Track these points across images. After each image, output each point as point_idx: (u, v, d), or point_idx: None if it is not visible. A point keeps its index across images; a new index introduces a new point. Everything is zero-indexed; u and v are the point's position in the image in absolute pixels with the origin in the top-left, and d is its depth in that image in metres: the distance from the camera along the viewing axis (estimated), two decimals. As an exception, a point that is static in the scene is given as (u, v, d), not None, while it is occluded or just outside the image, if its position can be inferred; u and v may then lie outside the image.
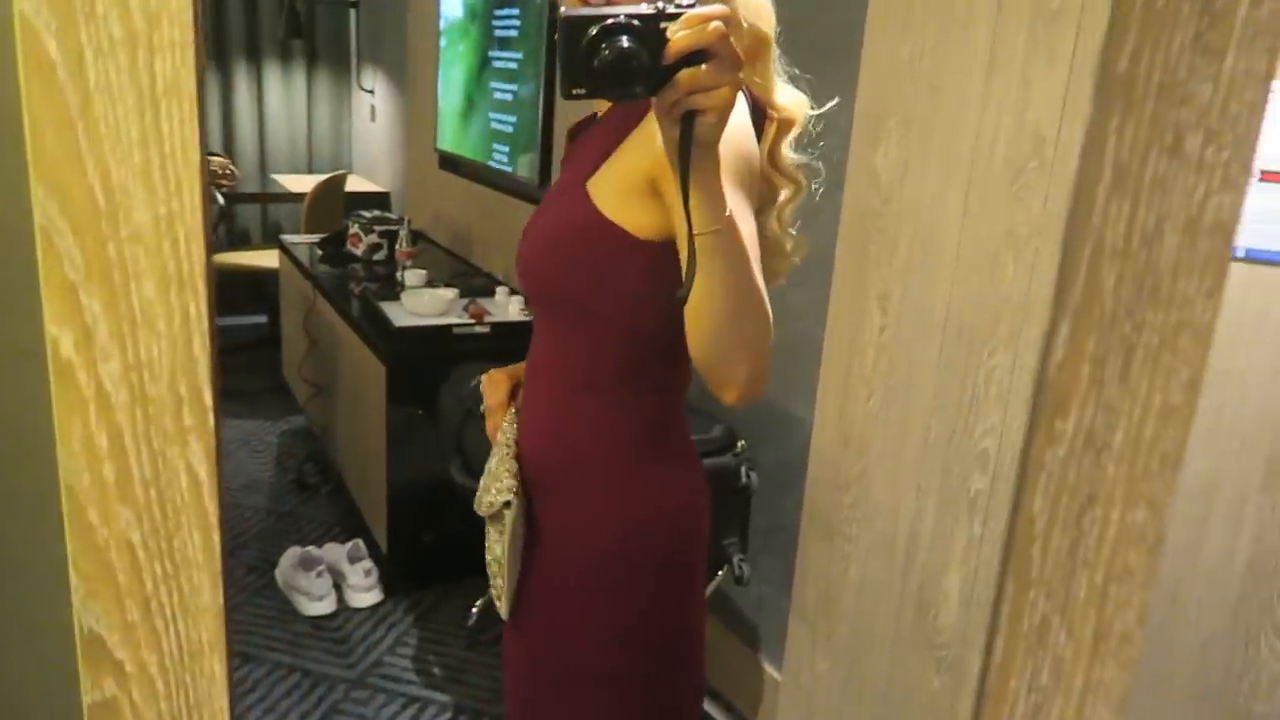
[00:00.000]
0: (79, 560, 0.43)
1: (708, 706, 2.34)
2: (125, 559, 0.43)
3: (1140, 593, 0.44)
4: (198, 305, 0.40)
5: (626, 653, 1.19)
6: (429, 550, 2.90)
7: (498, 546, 1.17)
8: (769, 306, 0.96)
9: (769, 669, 2.34)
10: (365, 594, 2.82)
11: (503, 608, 1.23)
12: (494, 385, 1.28)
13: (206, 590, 0.43)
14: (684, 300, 0.86)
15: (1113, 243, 0.40)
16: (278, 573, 2.89)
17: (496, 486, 1.17)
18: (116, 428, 0.41)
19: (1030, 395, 0.44)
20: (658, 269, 1.03)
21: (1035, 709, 0.46)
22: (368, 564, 2.85)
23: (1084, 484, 0.43)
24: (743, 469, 2.17)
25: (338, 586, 2.83)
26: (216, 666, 0.45)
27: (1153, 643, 2.05)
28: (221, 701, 0.46)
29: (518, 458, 1.18)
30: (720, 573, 2.24)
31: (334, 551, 2.93)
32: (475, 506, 1.22)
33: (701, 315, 0.92)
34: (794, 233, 1.19)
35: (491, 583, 1.23)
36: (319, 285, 3.37)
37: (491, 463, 1.21)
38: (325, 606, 2.77)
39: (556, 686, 1.23)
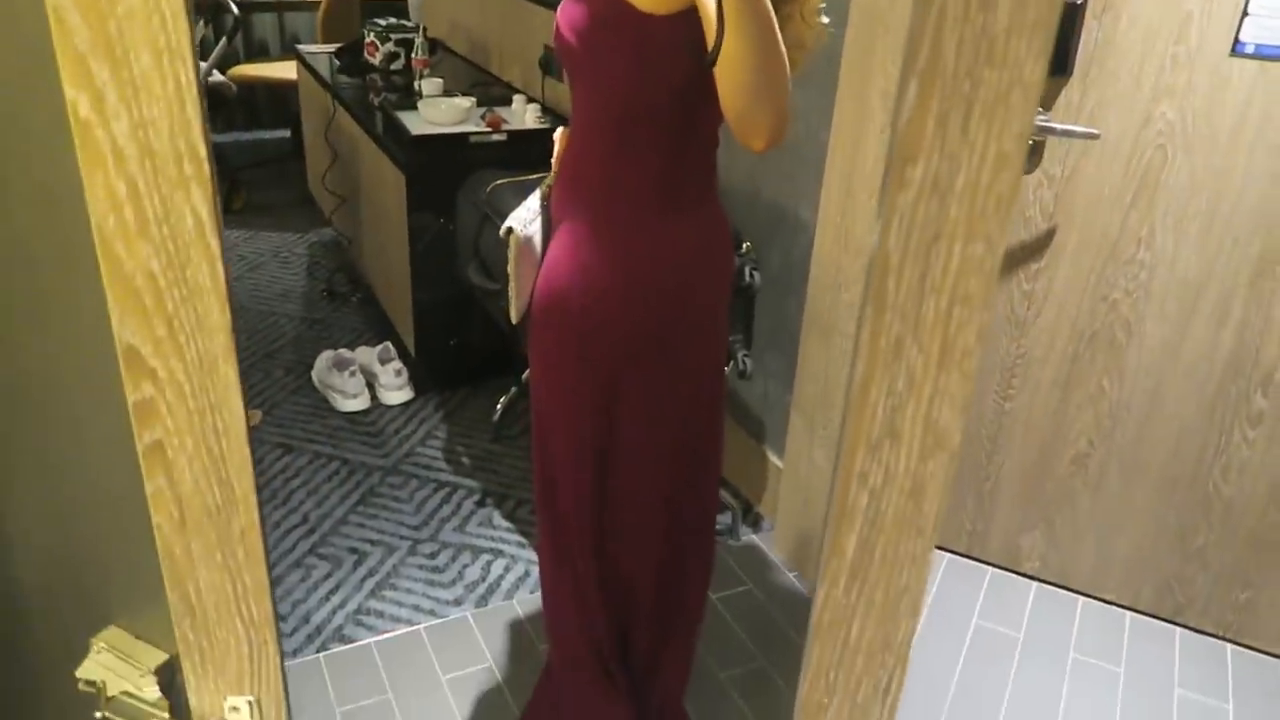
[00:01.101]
0: (113, 287, 0.53)
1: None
2: (149, 285, 0.53)
3: (978, 315, 0.53)
4: (186, 73, 0.48)
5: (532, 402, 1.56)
6: (455, 353, 3.06)
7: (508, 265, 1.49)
8: (787, 61, 1.10)
9: (772, 458, 2.51)
10: (396, 392, 3.00)
11: (513, 313, 1.56)
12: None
13: (215, 311, 0.54)
14: (714, 61, 1.01)
15: (954, 10, 0.47)
16: (313, 374, 3.08)
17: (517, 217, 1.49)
18: (131, 177, 0.51)
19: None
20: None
21: (893, 411, 0.56)
22: (398, 365, 3.02)
23: (931, 223, 0.52)
24: (747, 269, 2.25)
25: (370, 386, 3.02)
26: (230, 373, 0.56)
27: (1131, 433, 2.18)
28: (236, 403, 0.57)
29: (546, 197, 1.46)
30: (727, 368, 2.37)
31: (365, 354, 3.11)
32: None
33: (735, 70, 1.07)
34: (821, 20, 1.25)
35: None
36: (338, 96, 3.39)
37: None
38: (360, 404, 2.96)
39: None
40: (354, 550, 2.35)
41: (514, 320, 1.53)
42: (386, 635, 2.11)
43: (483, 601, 2.21)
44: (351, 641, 2.09)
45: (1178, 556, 2.22)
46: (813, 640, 0.64)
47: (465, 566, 2.32)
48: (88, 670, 0.70)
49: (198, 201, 0.51)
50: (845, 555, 0.61)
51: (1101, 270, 2.09)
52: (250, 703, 0.66)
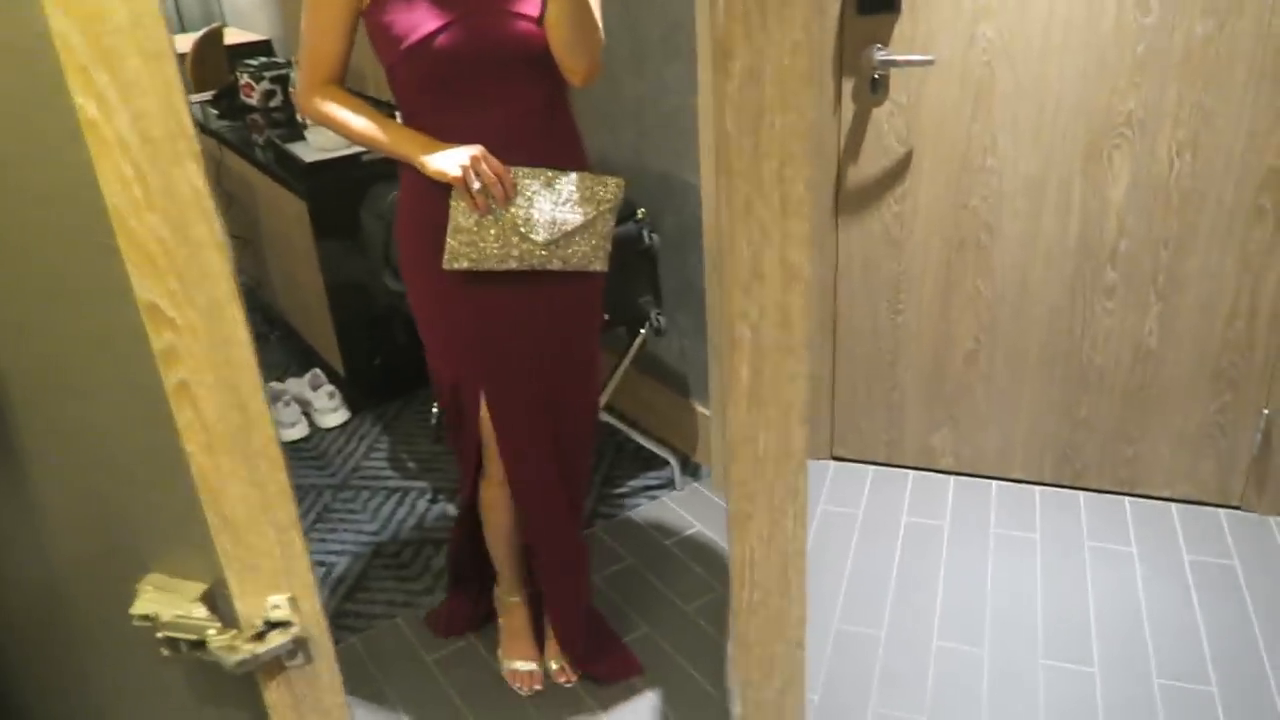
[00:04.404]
0: (130, 254, 0.66)
1: (657, 450, 2.70)
2: (160, 248, 0.66)
3: (803, 170, 0.70)
4: (171, 69, 0.62)
5: None
6: (383, 369, 3.16)
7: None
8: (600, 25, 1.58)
9: (699, 408, 2.69)
10: (332, 415, 3.09)
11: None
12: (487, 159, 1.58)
13: (217, 262, 0.67)
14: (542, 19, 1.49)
15: (741, -60, 0.63)
16: (248, 411, 3.14)
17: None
18: (136, 161, 0.64)
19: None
20: None
21: (754, 258, 0.73)
22: (329, 388, 3.11)
23: (753, 103, 0.68)
24: (644, 232, 2.42)
25: (306, 414, 3.10)
26: (235, 313, 0.69)
27: (1008, 324, 2.41)
28: (243, 337, 0.71)
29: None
30: (643, 330, 2.54)
31: (296, 384, 3.19)
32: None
33: (560, 28, 1.53)
34: None
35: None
36: (223, 140, 3.45)
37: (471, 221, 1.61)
38: (298, 431, 3.04)
39: None
40: (321, 564, 2.45)
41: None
42: (367, 632, 2.22)
43: (450, 586, 2.33)
44: (335, 644, 2.19)
45: (1068, 427, 2.47)
46: (731, 460, 0.81)
47: (430, 558, 2.43)
48: (141, 606, 0.82)
49: (192, 173, 0.65)
50: (742, 380, 0.77)
51: (958, 181, 2.32)
52: (290, 599, 0.80)
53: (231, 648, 0.77)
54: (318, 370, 3.19)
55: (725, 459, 0.80)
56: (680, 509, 2.56)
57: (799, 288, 0.74)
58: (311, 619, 0.80)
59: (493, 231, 1.61)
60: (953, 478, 2.60)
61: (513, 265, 1.64)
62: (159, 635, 0.80)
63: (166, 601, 0.81)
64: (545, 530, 1.89)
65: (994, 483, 2.57)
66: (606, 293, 1.85)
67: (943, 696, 1.94)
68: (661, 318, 2.50)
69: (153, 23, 0.60)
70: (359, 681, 2.08)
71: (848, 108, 2.34)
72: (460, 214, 1.59)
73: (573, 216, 1.65)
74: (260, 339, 3.75)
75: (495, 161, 1.56)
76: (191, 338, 0.69)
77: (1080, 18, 2.09)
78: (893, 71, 2.25)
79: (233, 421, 0.72)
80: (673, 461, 2.68)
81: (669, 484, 2.66)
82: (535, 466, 1.82)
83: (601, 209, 1.69)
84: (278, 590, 0.79)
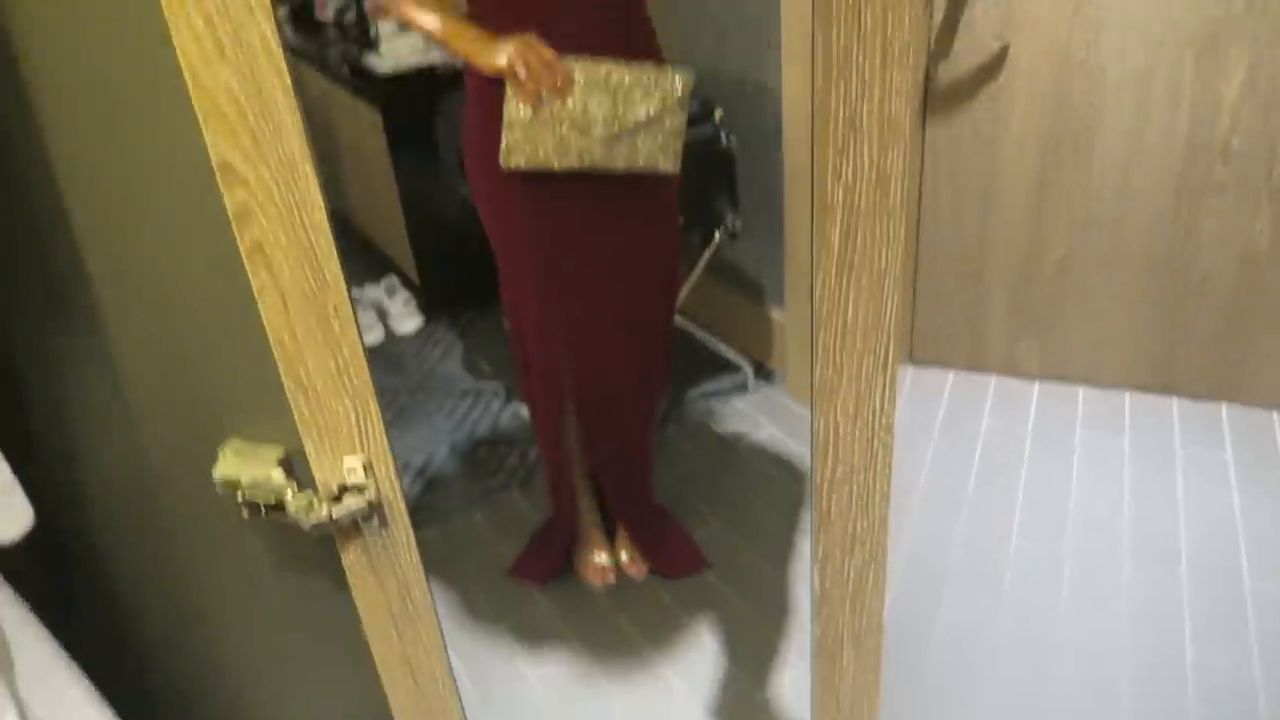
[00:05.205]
0: (201, 107, 0.65)
1: (730, 356, 2.67)
2: (231, 103, 0.65)
3: (908, 13, 0.65)
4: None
5: None
6: (458, 277, 3.17)
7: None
8: None
9: (774, 314, 2.64)
10: (408, 321, 3.13)
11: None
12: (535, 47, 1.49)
13: (289, 119, 0.65)
14: None
15: None
16: (328, 316, 3.20)
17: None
18: (206, 11, 0.62)
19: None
20: None
21: (852, 113, 0.68)
22: (405, 295, 3.14)
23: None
24: (722, 134, 2.35)
25: (382, 320, 3.14)
26: (308, 170, 0.68)
27: (1106, 227, 2.30)
28: (317, 198, 0.69)
29: None
30: (718, 232, 2.48)
31: (372, 291, 3.22)
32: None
33: None
34: None
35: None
36: (301, 54, 3.44)
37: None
38: (373, 337, 3.09)
39: None
40: (398, 459, 2.50)
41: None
42: (444, 524, 2.27)
43: (525, 482, 2.37)
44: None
45: (1165, 333, 2.36)
46: (818, 330, 0.77)
47: (505, 456, 2.47)
48: (222, 469, 0.84)
49: (262, 22, 0.63)
50: (833, 247, 0.73)
51: (1057, 77, 2.19)
52: (364, 464, 0.80)
53: (309, 509, 0.77)
54: (393, 278, 3.21)
55: (813, 330, 0.77)
56: (753, 411, 2.54)
57: (899, 144, 0.69)
58: (386, 484, 0.80)
59: (549, 127, 1.53)
60: (1037, 384, 2.52)
61: (572, 163, 1.56)
62: (239, 498, 0.81)
63: (246, 465, 0.82)
64: (618, 443, 1.88)
65: (1081, 388, 2.48)
66: (681, 195, 1.79)
67: (1020, 596, 1.91)
68: (737, 221, 2.44)
69: None
70: (435, 570, 2.14)
71: (938, 6, 2.22)
72: (513, 107, 1.52)
73: (635, 111, 1.56)
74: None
75: (544, 49, 1.48)
76: (265, 197, 0.68)
77: (1198, -114, 1.92)
78: (988, -46, 2.12)
79: (307, 284, 0.72)
80: (746, 367, 2.65)
81: (742, 388, 2.63)
82: (606, 381, 1.79)
83: (668, 104, 1.59)
84: (353, 454, 0.79)
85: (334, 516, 0.77)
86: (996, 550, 2.02)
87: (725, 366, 2.70)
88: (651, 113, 1.58)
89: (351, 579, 0.84)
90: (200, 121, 0.65)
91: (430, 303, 3.19)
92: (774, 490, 2.26)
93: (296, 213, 0.69)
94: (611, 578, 2.05)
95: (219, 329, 0.79)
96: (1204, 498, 2.10)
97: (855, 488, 0.83)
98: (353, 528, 0.81)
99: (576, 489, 2.00)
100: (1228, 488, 2.12)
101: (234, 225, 0.69)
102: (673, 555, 2.05)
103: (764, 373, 2.69)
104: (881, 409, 0.80)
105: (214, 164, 0.67)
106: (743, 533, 2.14)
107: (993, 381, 2.55)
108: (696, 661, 1.86)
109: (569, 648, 1.92)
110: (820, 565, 0.86)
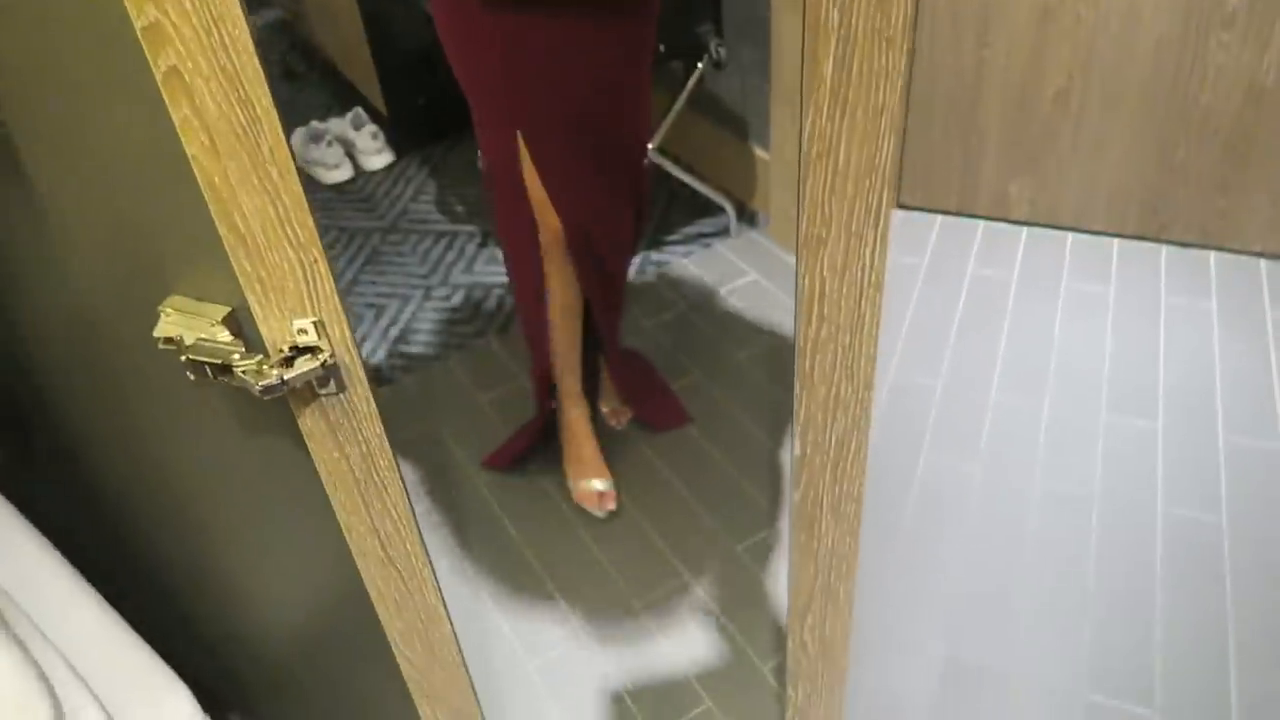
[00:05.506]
0: (91, -96, 0.55)
1: (712, 196, 2.57)
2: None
3: None
4: None
5: None
6: (428, 109, 3.01)
7: None
8: None
9: (759, 152, 2.53)
10: (377, 156, 2.99)
11: None
12: None
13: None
14: None
15: None
16: (292, 152, 3.05)
17: None
18: None
19: None
20: None
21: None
22: (373, 128, 2.99)
23: None
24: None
25: (350, 156, 3.00)
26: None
27: (1109, 58, 2.18)
28: (237, 13, 0.60)
29: None
30: (700, 63, 2.34)
31: (338, 125, 3.07)
32: None
33: None
34: None
35: None
36: None
37: None
38: (343, 174, 2.96)
39: None
40: (371, 305, 2.44)
41: None
42: (419, 371, 2.23)
43: (503, 329, 2.32)
44: (389, 382, 2.21)
45: (1159, 174, 2.28)
46: (805, 174, 0.70)
47: (480, 301, 2.41)
48: (164, 329, 0.77)
49: None
50: (825, 78, 0.65)
51: (1069, -112, 2.02)
52: (315, 323, 0.74)
53: (258, 373, 0.72)
54: (360, 110, 3.05)
55: (800, 174, 0.69)
56: (735, 257, 2.47)
57: (904, -42, 0.60)
58: (342, 346, 0.75)
59: None
60: (1025, 229, 2.45)
61: None
62: (183, 360, 0.75)
63: (189, 324, 0.76)
64: (607, 275, 1.81)
65: (1070, 234, 2.42)
66: (660, 21, 1.66)
67: (998, 448, 1.91)
68: (722, 49, 2.30)
69: None
70: (411, 419, 2.11)
71: None
72: None
73: None
74: (300, 77, 3.62)
75: None
76: (178, 13, 0.59)
77: None
78: None
79: (236, 119, 0.63)
80: (728, 208, 2.56)
81: (724, 231, 2.56)
82: (590, 210, 1.70)
83: None
84: (304, 314, 0.73)
85: (285, 379, 0.72)
86: (976, 402, 2.01)
87: (706, 208, 2.62)
88: None
89: (311, 446, 0.79)
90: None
91: (400, 137, 3.04)
92: (755, 339, 2.23)
93: (215, 31, 0.60)
94: (612, 504, 1.87)
95: (149, 171, 0.71)
96: (1185, 347, 2.09)
97: (839, 349, 0.78)
98: (308, 391, 0.76)
99: (561, 361, 1.87)
100: (1210, 337, 2.11)
101: (145, 47, 0.60)
102: (656, 407, 2.03)
103: (747, 215, 2.61)
104: (871, 264, 0.74)
105: (114, -27, 0.57)
106: (725, 386, 2.11)
107: (981, 226, 2.48)
108: (674, 514, 1.87)
109: (550, 502, 1.93)
110: (801, 430, 0.82)
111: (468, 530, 1.87)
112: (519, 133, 1.56)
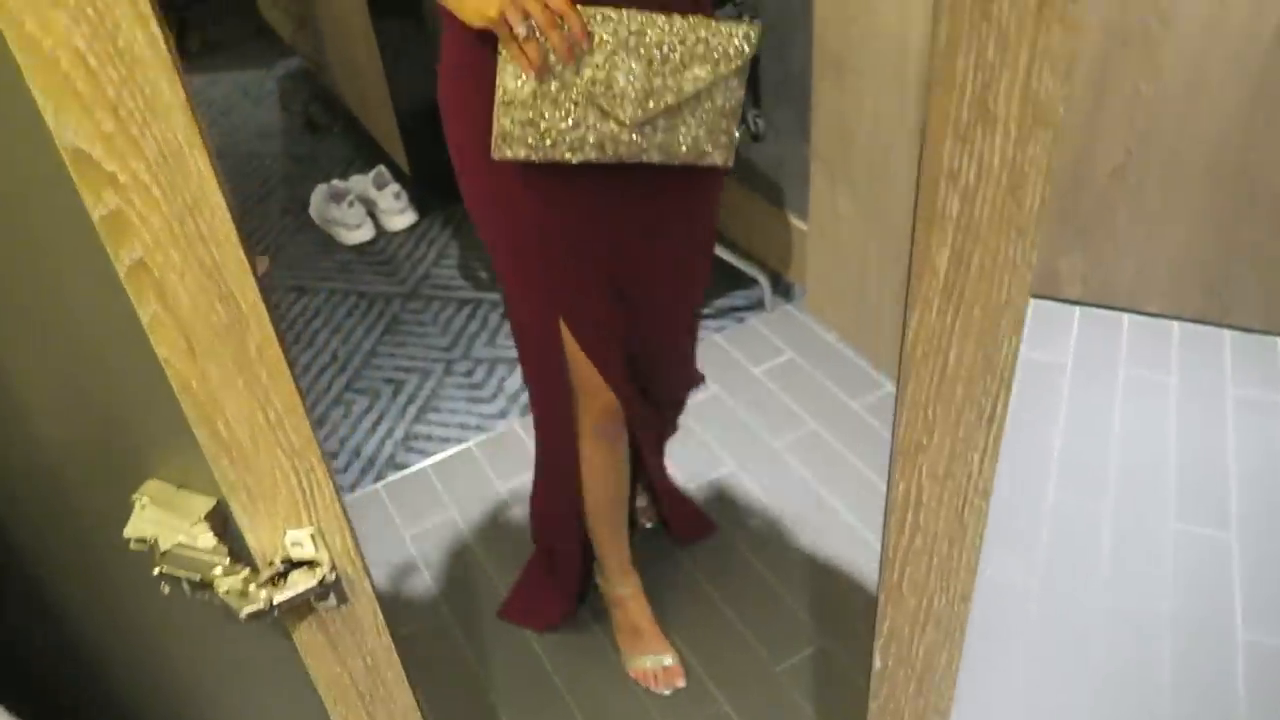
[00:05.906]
0: (36, 77, 0.44)
1: (745, 268, 2.45)
2: (78, 67, 0.44)
3: (1085, -55, 0.43)
4: None
5: None
6: (452, 168, 2.92)
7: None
8: None
9: (795, 221, 2.42)
10: (399, 217, 2.90)
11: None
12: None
13: (165, 87, 0.44)
14: None
15: None
16: (311, 210, 2.97)
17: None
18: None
19: None
20: None
21: (984, 88, 0.47)
22: (395, 188, 2.90)
23: None
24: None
25: (372, 215, 2.91)
26: (201, 163, 0.47)
27: (1170, 134, 2.05)
28: (216, 200, 0.49)
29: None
30: (738, 132, 2.23)
31: (360, 182, 2.98)
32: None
33: None
34: None
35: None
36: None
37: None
38: (364, 234, 2.86)
39: None
40: (389, 380, 2.33)
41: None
42: (439, 456, 2.11)
43: (526, 410, 2.20)
44: (406, 467, 2.10)
45: (1223, 256, 2.15)
46: (906, 376, 0.58)
47: (503, 379, 2.29)
48: (136, 528, 0.66)
49: (106, -53, 0.41)
50: (938, 272, 0.53)
51: (1132, -42, 1.91)
52: (312, 535, 0.62)
53: (243, 594, 0.60)
54: (382, 168, 2.97)
55: (901, 373, 0.57)
56: (770, 333, 2.35)
57: (1045, 137, 0.49)
58: (344, 555, 0.63)
59: (559, 104, 1.12)
60: (1079, 309, 2.32)
61: (590, 156, 1.16)
62: (155, 570, 0.63)
63: (166, 522, 0.64)
64: (661, 419, 1.66)
65: (1126, 316, 2.29)
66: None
67: (1058, 558, 1.77)
68: (760, 120, 2.19)
69: None
70: (429, 510, 1.99)
71: None
72: (509, 77, 1.09)
73: (679, 82, 1.14)
74: (323, 129, 3.55)
75: None
76: (144, 201, 0.48)
77: None
78: None
79: (216, 316, 0.52)
80: (763, 280, 2.44)
81: (758, 305, 2.44)
82: (641, 394, 1.50)
83: (722, 70, 1.16)
84: (298, 524, 0.61)
85: (275, 604, 0.60)
86: (1033, 507, 1.87)
87: (739, 280, 2.50)
88: (703, 83, 1.16)
89: (308, 661, 0.67)
90: (36, 95, 0.45)
91: (423, 195, 2.95)
92: (793, 425, 2.10)
93: (190, 221, 0.49)
94: (680, 680, 1.64)
95: (121, 359, 0.60)
96: (1256, 445, 1.94)
97: (936, 559, 0.65)
98: (304, 604, 0.64)
99: (606, 547, 1.66)
100: (1284, 431, 1.96)
101: (105, 240, 0.49)
102: (682, 515, 1.87)
103: (782, 287, 2.49)
104: (979, 471, 0.61)
105: (65, 156, 0.46)
106: (761, 479, 1.98)
107: (1030, 305, 2.35)
108: (708, 629, 1.73)
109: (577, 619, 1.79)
110: (883, 643, 0.69)
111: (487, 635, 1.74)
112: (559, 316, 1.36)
